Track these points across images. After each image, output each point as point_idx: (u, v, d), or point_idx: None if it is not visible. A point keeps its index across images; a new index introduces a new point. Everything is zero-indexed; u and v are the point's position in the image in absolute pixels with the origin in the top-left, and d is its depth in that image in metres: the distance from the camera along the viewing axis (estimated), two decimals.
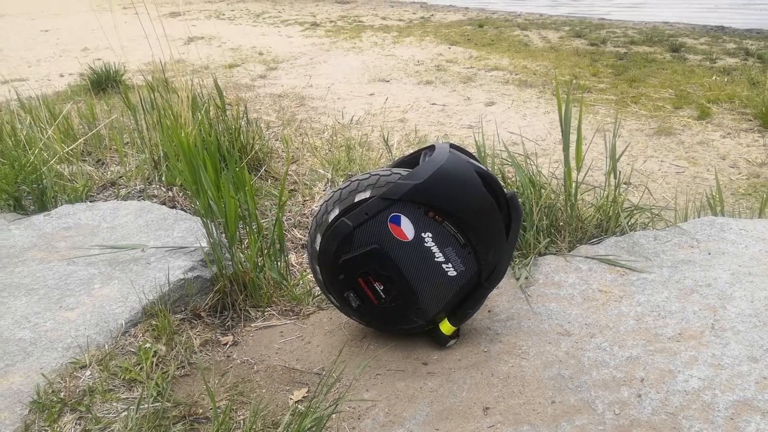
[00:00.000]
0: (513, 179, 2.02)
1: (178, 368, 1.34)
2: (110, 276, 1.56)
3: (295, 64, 6.33)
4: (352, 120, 4.21)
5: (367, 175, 1.36)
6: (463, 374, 1.34)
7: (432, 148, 1.38)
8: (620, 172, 1.96)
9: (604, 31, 7.69)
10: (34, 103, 4.86)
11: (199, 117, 2.77)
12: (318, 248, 1.38)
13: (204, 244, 1.65)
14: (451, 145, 1.37)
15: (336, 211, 1.35)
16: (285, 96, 4.98)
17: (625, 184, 3.11)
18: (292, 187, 2.97)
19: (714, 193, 2.18)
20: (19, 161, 2.52)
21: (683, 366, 1.28)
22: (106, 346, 1.34)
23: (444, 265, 1.33)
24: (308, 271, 2.08)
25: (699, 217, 1.91)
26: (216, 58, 6.79)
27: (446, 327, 1.41)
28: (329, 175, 3.02)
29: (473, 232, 1.30)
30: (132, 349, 1.35)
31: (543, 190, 1.95)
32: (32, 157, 2.64)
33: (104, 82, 5.03)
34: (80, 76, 6.07)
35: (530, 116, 4.27)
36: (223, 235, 1.67)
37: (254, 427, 1.17)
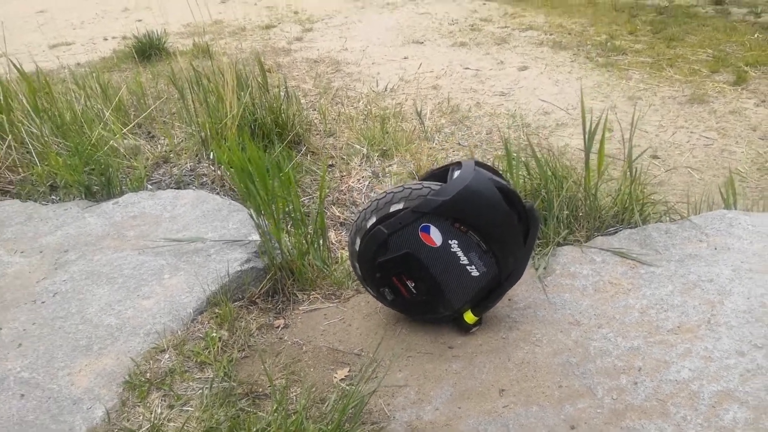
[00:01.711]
0: (537, 173, 2.15)
1: (239, 351, 1.59)
2: (177, 267, 1.80)
3: (329, 23, 6.38)
4: (386, 88, 4.32)
5: (401, 188, 1.54)
6: (484, 358, 1.55)
7: (459, 164, 1.54)
8: (637, 168, 2.07)
9: None
10: (82, 71, 5.10)
11: (244, 100, 2.95)
12: (357, 249, 1.59)
13: (256, 237, 1.87)
14: (477, 162, 1.53)
15: (373, 219, 1.54)
16: (321, 61, 5.09)
17: (652, 157, 3.19)
18: (330, 162, 3.16)
19: (737, 170, 2.26)
20: (83, 145, 2.77)
21: (677, 357, 1.46)
22: (179, 332, 1.59)
23: (468, 267, 1.52)
24: (347, 248, 2.30)
25: (711, 210, 2.03)
26: (252, 18, 6.88)
27: (469, 317, 1.61)
28: (365, 150, 3.19)
29: (494, 240, 1.48)
30: (200, 335, 1.60)
31: (565, 182, 2.09)
32: (94, 138, 2.89)
33: (148, 50, 5.22)
34: (123, 40, 6.26)
35: (563, 82, 4.30)
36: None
37: (305, 403, 1.41)
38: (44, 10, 8.09)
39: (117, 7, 8.03)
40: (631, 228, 1.96)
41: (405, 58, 5.07)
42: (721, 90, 3.99)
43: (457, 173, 1.53)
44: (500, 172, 1.66)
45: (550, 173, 2.08)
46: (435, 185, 1.52)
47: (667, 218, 2.05)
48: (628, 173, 1.99)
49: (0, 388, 1.43)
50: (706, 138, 3.38)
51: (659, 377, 1.41)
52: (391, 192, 1.55)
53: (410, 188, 1.54)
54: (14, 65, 3.14)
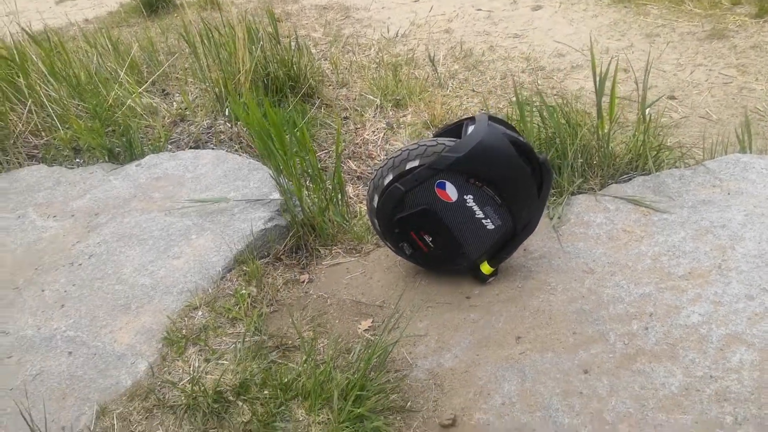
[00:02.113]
0: (552, 120, 2.15)
1: (267, 306, 1.67)
2: (203, 227, 1.87)
3: None
4: (397, 34, 4.26)
5: (416, 146, 1.57)
6: (500, 307, 1.62)
7: (472, 119, 1.56)
8: (650, 115, 2.06)
9: None
10: (91, 27, 5.08)
11: (256, 54, 2.94)
12: (375, 206, 1.64)
13: (277, 195, 1.93)
14: (490, 117, 1.55)
15: (390, 177, 1.59)
16: (329, 8, 5.00)
17: (669, 98, 3.15)
18: (344, 114, 3.17)
19: (756, 108, 2.22)
20: (101, 106, 2.81)
21: (688, 303, 1.51)
22: (210, 290, 1.68)
23: (483, 221, 1.57)
24: (365, 201, 2.36)
25: (726, 154, 2.03)
26: None
27: (486, 268, 1.67)
28: (378, 101, 3.20)
29: (508, 194, 1.52)
30: (230, 292, 1.68)
31: (579, 129, 2.09)
32: (111, 99, 2.93)
33: (155, 3, 5.15)
34: None
35: (578, 21, 4.19)
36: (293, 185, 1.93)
37: (333, 353, 1.50)
38: None
39: None
40: (645, 175, 1.98)
41: (415, 0, 4.96)
42: (742, 23, 3.87)
43: (470, 129, 1.55)
44: (513, 125, 1.68)
45: (563, 121, 2.08)
46: (449, 141, 1.55)
47: (682, 164, 2.06)
48: (642, 119, 1.99)
49: (49, 346, 1.54)
50: (725, 76, 3.31)
51: (669, 322, 1.47)
52: (407, 149, 1.59)
53: (425, 145, 1.57)
54: (25, 31, 3.14)
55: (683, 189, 1.87)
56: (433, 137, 1.65)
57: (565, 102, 2.45)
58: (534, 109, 2.23)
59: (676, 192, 1.86)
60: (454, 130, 1.64)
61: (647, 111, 2.03)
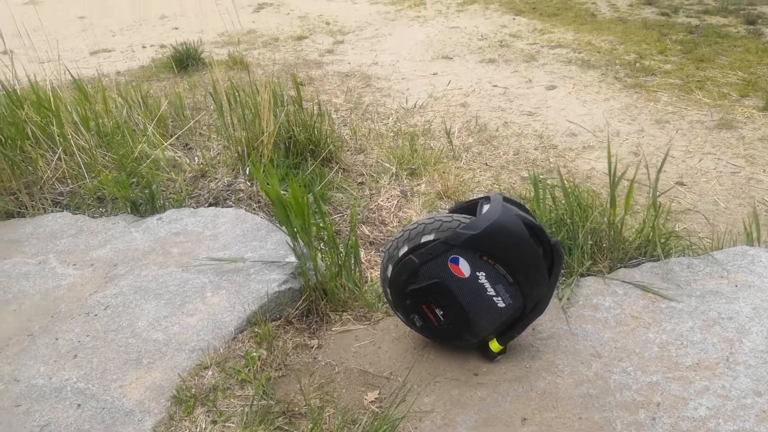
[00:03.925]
0: (563, 202, 2.21)
1: (276, 370, 1.69)
2: (219, 286, 1.91)
3: (360, 36, 6.50)
4: (415, 105, 4.42)
5: (432, 220, 1.63)
6: (507, 387, 1.63)
7: (488, 199, 1.63)
8: (661, 203, 2.12)
9: None
10: (123, 80, 5.30)
11: (280, 118, 3.06)
12: (389, 276, 1.68)
13: (293, 259, 1.97)
14: (504, 198, 1.61)
15: (405, 248, 1.64)
16: (352, 75, 5.21)
17: (678, 184, 3.22)
18: (360, 179, 3.26)
19: (764, 200, 2.29)
20: (127, 158, 2.92)
21: (695, 394, 1.52)
22: (221, 350, 1.70)
23: (494, 298, 1.60)
24: (376, 267, 2.40)
25: (734, 244, 2.08)
26: (285, 28, 7.03)
27: (494, 345, 1.69)
28: (394, 169, 3.29)
29: (520, 274, 1.56)
30: (240, 353, 1.70)
31: (590, 212, 2.15)
32: (137, 152, 3.04)
33: (185, 60, 5.39)
34: (161, 48, 6.46)
35: (590, 103, 4.34)
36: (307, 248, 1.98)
37: (339, 424, 1.51)
38: (84, 16, 8.37)
39: (154, 14, 8.26)
40: (653, 261, 2.02)
41: (434, 74, 5.16)
42: (750, 115, 3.99)
43: (486, 208, 1.61)
44: (526, 206, 1.74)
45: (575, 204, 2.14)
46: (465, 218, 1.60)
47: (690, 252, 2.10)
48: (653, 209, 2.05)
49: (58, 397, 1.55)
50: (734, 165, 3.40)
51: (677, 414, 1.47)
52: (423, 223, 1.64)
53: (441, 220, 1.62)
54: (72, 77, 3.29)
55: (691, 278, 1.90)
56: (449, 213, 1.71)
57: (576, 182, 2.53)
58: (546, 188, 2.30)
59: (685, 281, 1.90)
60: (470, 207, 1.70)
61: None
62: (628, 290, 1.90)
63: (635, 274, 1.97)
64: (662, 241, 2.08)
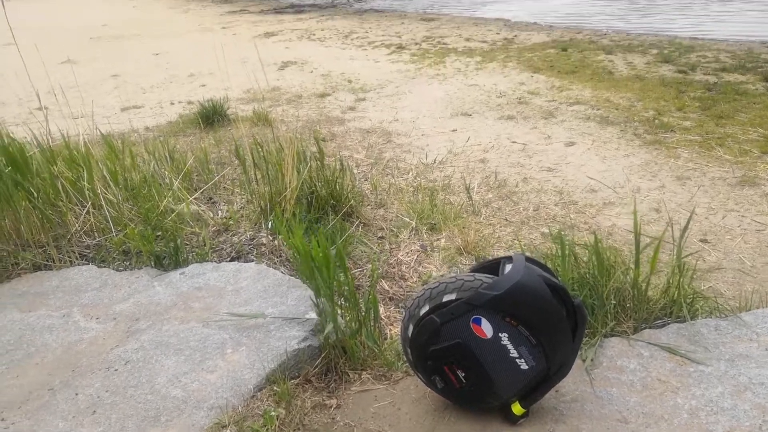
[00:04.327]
0: (586, 260, 2.20)
1: (294, 430, 1.66)
2: (239, 342, 1.92)
3: (381, 93, 6.67)
4: (435, 160, 4.48)
5: (453, 279, 1.63)
6: None
7: (510, 259, 1.63)
8: (685, 262, 2.09)
9: (694, 55, 7.51)
10: (151, 135, 5.47)
11: (303, 175, 3.13)
12: (410, 335, 1.67)
13: (313, 315, 1.98)
14: (527, 258, 1.61)
15: (426, 308, 1.63)
16: (373, 131, 5.32)
17: (702, 242, 3.18)
18: (380, 234, 3.28)
19: None
20: (152, 212, 2.99)
21: None
22: (240, 408, 1.69)
23: (517, 360, 1.58)
24: (396, 324, 2.38)
25: (763, 306, 2.03)
26: (308, 85, 7.25)
27: (517, 408, 1.65)
28: (414, 224, 3.31)
29: (543, 336, 1.54)
30: (259, 412, 1.69)
31: (612, 271, 2.13)
32: (162, 206, 3.11)
33: (211, 116, 5.57)
34: (188, 104, 6.69)
35: (610, 159, 4.36)
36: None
37: None
38: (118, 74, 8.74)
39: (184, 72, 8.60)
40: (679, 322, 1.98)
41: (453, 130, 5.25)
42: None
43: (508, 267, 1.61)
44: (548, 266, 1.73)
45: (596, 262, 2.13)
46: (487, 278, 1.60)
47: (717, 313, 2.05)
48: (679, 269, 2.02)
49: None
50: (758, 223, 3.35)
51: None
52: (444, 282, 1.64)
53: (462, 279, 1.62)
54: (103, 136, 3.41)
55: (719, 341, 1.86)
56: (471, 272, 1.70)
57: (598, 239, 2.51)
58: (567, 246, 2.29)
59: (713, 343, 1.85)
60: (492, 267, 1.70)
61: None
62: (654, 352, 1.86)
63: (661, 335, 1.93)
64: (688, 301, 2.05)
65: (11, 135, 3.21)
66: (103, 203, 3.01)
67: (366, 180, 4.10)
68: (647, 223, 3.39)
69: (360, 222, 3.34)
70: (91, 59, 10.22)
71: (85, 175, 3.04)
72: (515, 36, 9.98)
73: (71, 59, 9.80)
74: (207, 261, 2.53)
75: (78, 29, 15.18)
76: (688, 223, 2.25)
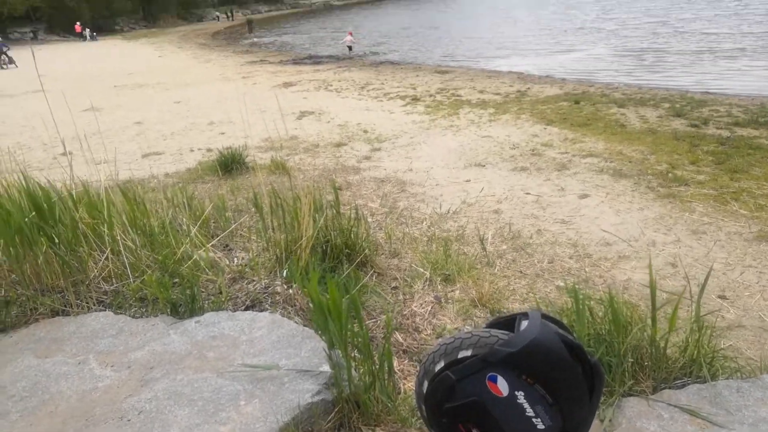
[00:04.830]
0: (602, 316, 2.18)
1: None
2: (252, 394, 1.91)
3: (396, 143, 6.79)
4: (449, 211, 4.51)
5: (469, 335, 1.62)
6: None
7: (526, 315, 1.62)
8: (704, 321, 2.07)
9: (706, 109, 7.59)
10: (170, 181, 5.58)
11: (319, 224, 3.17)
12: (424, 392, 1.65)
13: (327, 368, 1.97)
14: (543, 315, 1.61)
15: (441, 364, 1.62)
16: (387, 181, 5.39)
17: (720, 298, 3.15)
18: (394, 284, 3.28)
19: None
20: (170, 258, 3.02)
21: None
22: None
23: (534, 419, 1.55)
24: (410, 377, 2.36)
25: None
26: (325, 135, 7.41)
27: None
28: (428, 274, 3.31)
29: (560, 395, 1.52)
30: None
31: (629, 328, 2.10)
32: (179, 253, 3.15)
33: (230, 164, 5.69)
34: (207, 152, 6.85)
35: (624, 212, 4.36)
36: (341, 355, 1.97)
37: None
38: (141, 121, 9.00)
39: (204, 120, 8.83)
40: (699, 383, 1.94)
41: (467, 180, 5.31)
42: None
43: (524, 324, 1.60)
44: (564, 323, 1.72)
45: (612, 317, 2.11)
46: (503, 334, 1.59)
47: (738, 374, 2.01)
48: (698, 328, 2.00)
49: None
50: None
51: None
52: (460, 338, 1.64)
53: (478, 335, 1.62)
54: (120, 190, 3.49)
55: (742, 403, 1.82)
56: (486, 327, 1.70)
57: (613, 296, 2.50)
58: (582, 301, 2.27)
59: (735, 406, 1.81)
60: (508, 322, 1.69)
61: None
62: (674, 414, 1.82)
63: (681, 396, 1.89)
64: (708, 361, 2.01)
65: (37, 180, 3.30)
66: (122, 249, 3.06)
67: (380, 229, 4.13)
68: (663, 277, 3.37)
69: (374, 271, 3.35)
70: (115, 106, 10.55)
71: (106, 222, 3.10)
72: (528, 88, 10.17)
73: (96, 106, 10.12)
74: (222, 309, 2.54)
75: (105, 77, 15.74)
76: (706, 279, 2.24)
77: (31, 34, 42.61)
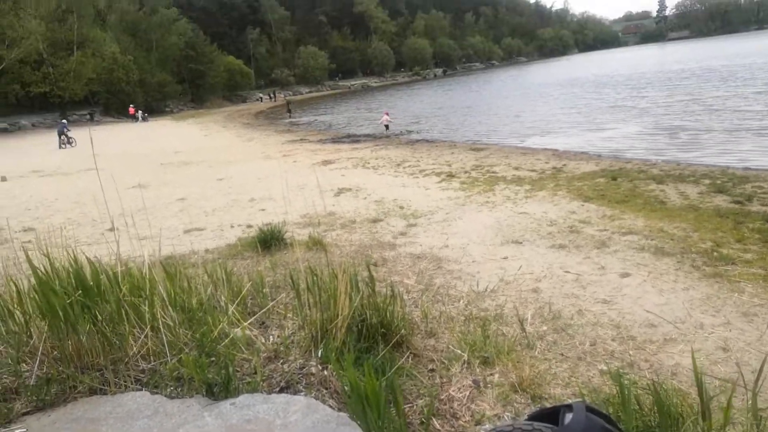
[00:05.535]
0: (649, 405, 2.08)
1: None
2: None
3: (432, 219, 6.83)
4: (486, 289, 4.45)
5: (510, 427, 1.56)
6: None
7: (570, 408, 1.56)
8: (762, 416, 1.95)
9: (749, 186, 7.44)
10: (210, 257, 5.70)
11: (355, 304, 3.16)
12: None
13: None
14: (587, 407, 1.55)
15: None
16: (423, 257, 5.39)
17: None
18: (431, 366, 3.21)
19: None
20: (207, 337, 3.04)
21: None
22: None
23: None
24: None
25: None
26: (362, 211, 7.52)
27: None
28: (465, 356, 3.22)
29: None
30: None
31: (681, 421, 1.99)
32: (216, 332, 3.17)
33: (269, 240, 5.80)
34: (248, 228, 7.01)
35: (668, 292, 4.22)
36: None
37: None
38: (184, 198, 9.34)
39: (245, 197, 9.11)
40: None
41: (504, 257, 5.26)
42: None
43: (568, 418, 1.54)
44: (610, 415, 1.65)
45: (659, 408, 2.00)
46: (545, 428, 1.53)
47: None
48: (754, 418, 1.88)
49: None
50: None
51: None
52: (501, 430, 1.58)
53: (520, 428, 1.56)
54: (163, 266, 3.59)
55: None
56: (528, 419, 1.64)
57: (661, 382, 2.38)
58: (630, 389, 2.17)
59: None
60: (550, 415, 1.63)
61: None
62: None
63: None
64: None
65: (86, 256, 3.43)
66: (161, 327, 3.10)
67: (416, 307, 4.09)
68: (714, 363, 3.20)
69: (410, 353, 3.29)
70: (161, 183, 11.01)
71: (147, 301, 3.17)
72: (564, 165, 10.21)
73: (143, 183, 10.59)
74: (257, 391, 2.52)
75: (153, 155, 16.54)
76: (762, 365, 2.12)
77: (89, 116, 45.51)
